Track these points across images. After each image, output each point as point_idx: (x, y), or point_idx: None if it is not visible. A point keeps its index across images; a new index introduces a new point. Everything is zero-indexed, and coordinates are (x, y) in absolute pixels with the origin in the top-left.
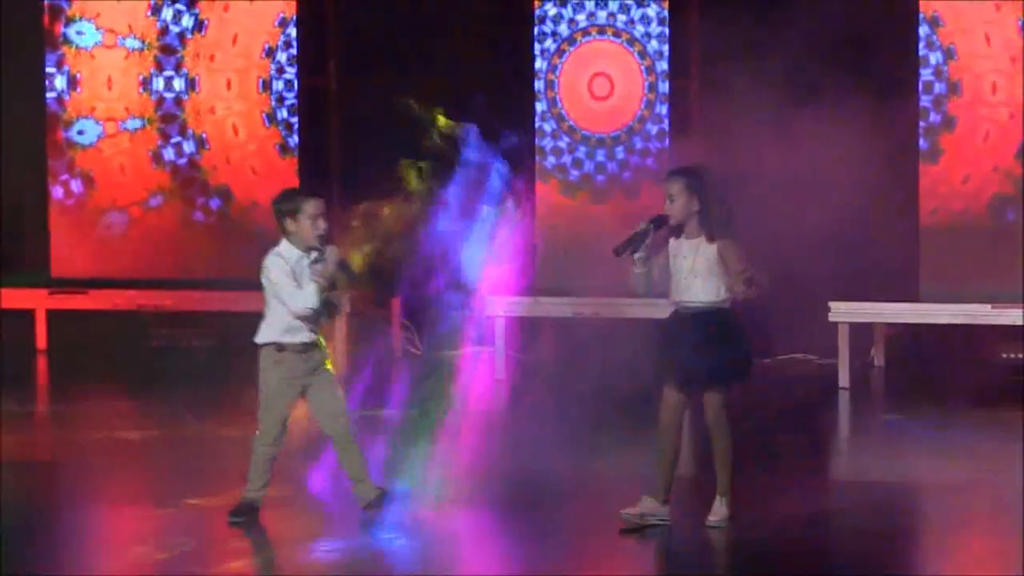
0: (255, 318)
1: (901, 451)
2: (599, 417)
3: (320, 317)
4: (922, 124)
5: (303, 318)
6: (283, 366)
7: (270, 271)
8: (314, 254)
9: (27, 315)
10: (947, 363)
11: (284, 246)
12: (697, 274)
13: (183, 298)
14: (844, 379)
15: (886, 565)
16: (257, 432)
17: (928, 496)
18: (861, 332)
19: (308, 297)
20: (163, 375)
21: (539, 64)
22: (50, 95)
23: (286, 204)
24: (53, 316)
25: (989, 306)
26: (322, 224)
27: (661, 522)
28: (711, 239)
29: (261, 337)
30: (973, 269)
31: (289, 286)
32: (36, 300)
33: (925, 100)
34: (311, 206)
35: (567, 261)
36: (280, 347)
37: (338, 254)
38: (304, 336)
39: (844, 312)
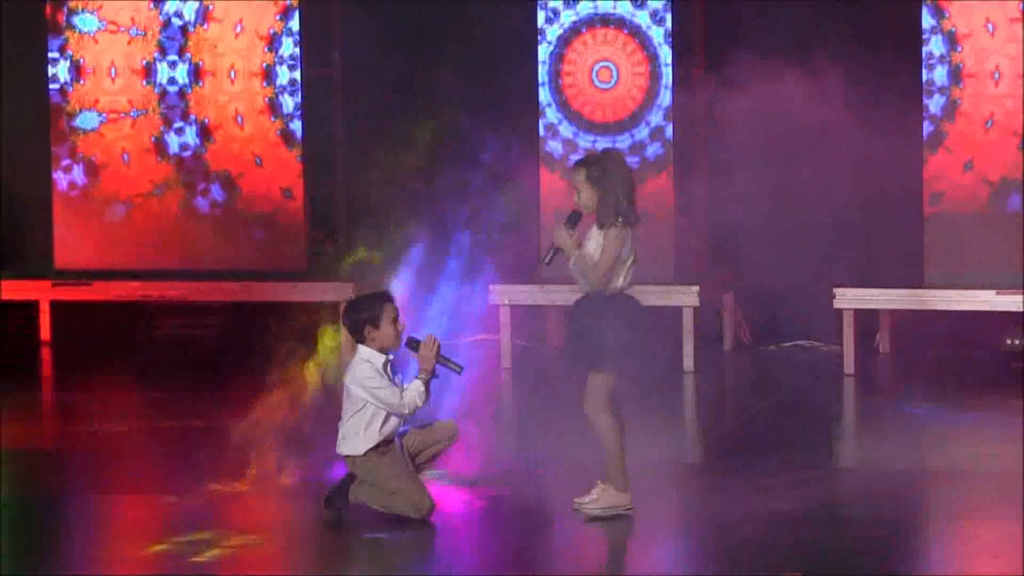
0: (260, 307)
1: (907, 438)
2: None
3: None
4: (925, 110)
5: (407, 416)
6: (388, 455)
7: (365, 380)
8: (391, 356)
9: (31, 307)
10: (952, 350)
11: (367, 352)
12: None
13: (188, 288)
14: (849, 366)
15: (891, 553)
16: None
17: (934, 483)
18: (866, 318)
19: (418, 396)
20: (168, 366)
21: (544, 50)
22: (53, 87)
23: (365, 313)
24: (57, 308)
25: (994, 292)
26: (401, 323)
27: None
28: (600, 226)
29: (363, 447)
30: (978, 255)
31: (389, 388)
32: (40, 292)
33: (928, 86)
34: (391, 310)
35: None
36: (386, 443)
37: (437, 344)
38: (393, 423)
39: (849, 298)
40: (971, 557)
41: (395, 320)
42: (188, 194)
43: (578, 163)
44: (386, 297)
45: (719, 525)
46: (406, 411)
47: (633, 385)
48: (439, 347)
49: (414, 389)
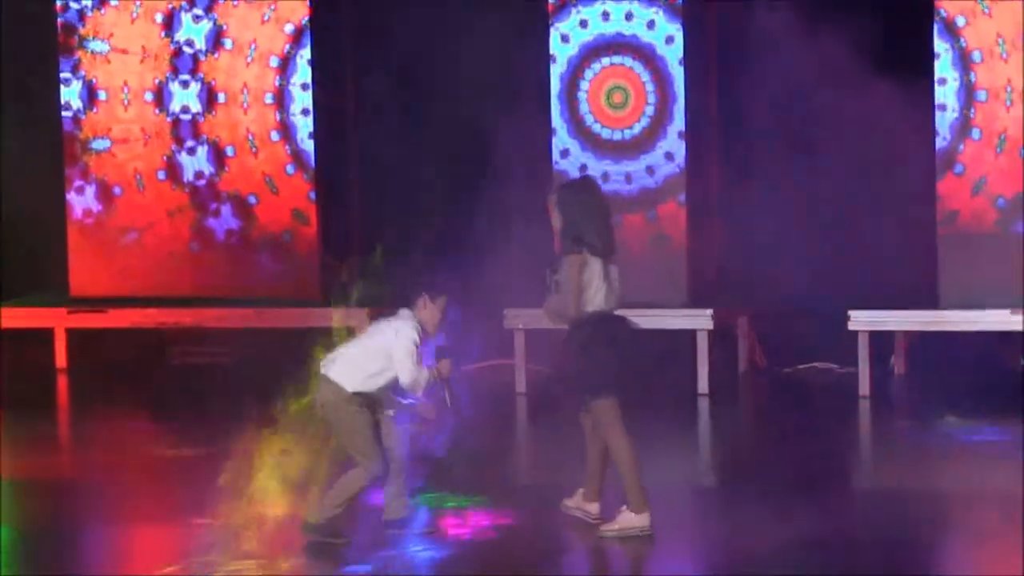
0: (275, 334)
1: (922, 459)
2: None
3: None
4: (938, 130)
5: (411, 388)
6: (366, 415)
7: (407, 333)
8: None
9: (47, 334)
10: (968, 370)
11: (412, 318)
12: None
13: (202, 315)
14: (864, 387)
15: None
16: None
17: (950, 505)
18: (881, 340)
19: (423, 379)
20: (184, 393)
21: (556, 72)
22: (66, 114)
23: (427, 284)
24: (73, 335)
25: (1008, 312)
26: (445, 320)
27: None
28: (561, 254)
29: (354, 387)
30: (993, 275)
31: (414, 357)
32: (55, 319)
33: (941, 105)
34: (445, 300)
35: None
36: (362, 396)
37: (450, 370)
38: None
39: (864, 320)
40: None
41: (444, 312)
42: (200, 216)
43: (554, 188)
44: (449, 290)
45: (734, 549)
46: (407, 379)
47: (647, 407)
48: (450, 372)
49: (424, 373)
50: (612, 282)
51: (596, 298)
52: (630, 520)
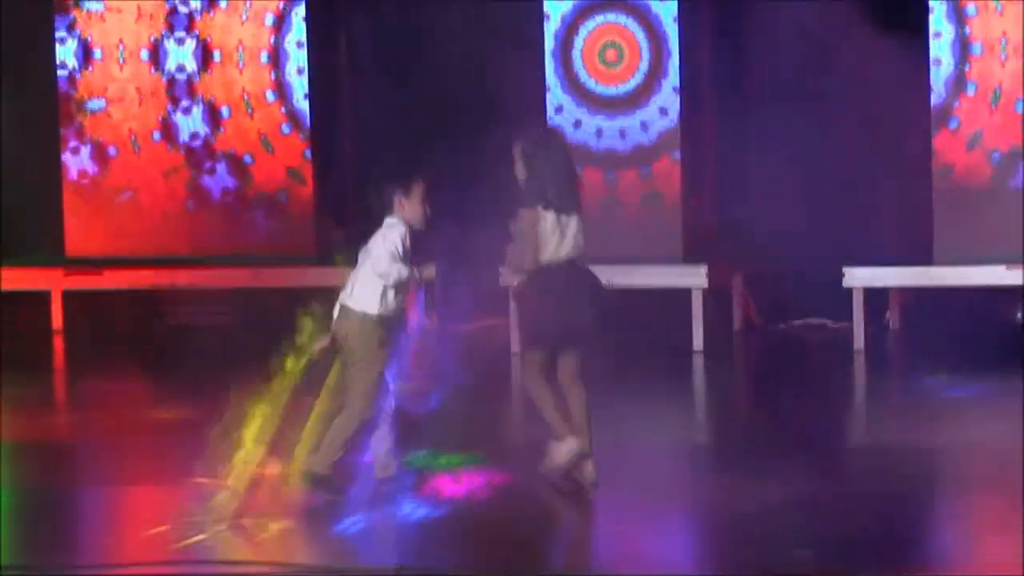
0: (272, 294)
1: (917, 414)
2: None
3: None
4: (933, 85)
5: (383, 279)
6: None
7: (391, 236)
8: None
9: (43, 296)
10: (963, 325)
11: (394, 219)
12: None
13: (198, 275)
14: (859, 343)
15: (903, 530)
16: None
17: (946, 460)
18: (876, 295)
19: (395, 272)
20: (180, 354)
21: (551, 28)
22: (61, 73)
23: (398, 182)
24: (69, 297)
25: (1003, 267)
26: (428, 208)
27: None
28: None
29: (376, 309)
30: (988, 230)
31: (393, 255)
32: (51, 280)
33: (937, 60)
34: (421, 188)
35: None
36: (385, 321)
37: (433, 274)
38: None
39: (858, 277)
40: (982, 532)
41: (424, 200)
42: (196, 175)
43: (518, 138)
44: (419, 176)
45: (729, 506)
46: (380, 268)
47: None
48: (433, 276)
49: (402, 269)
50: (572, 236)
51: (550, 251)
52: (557, 450)
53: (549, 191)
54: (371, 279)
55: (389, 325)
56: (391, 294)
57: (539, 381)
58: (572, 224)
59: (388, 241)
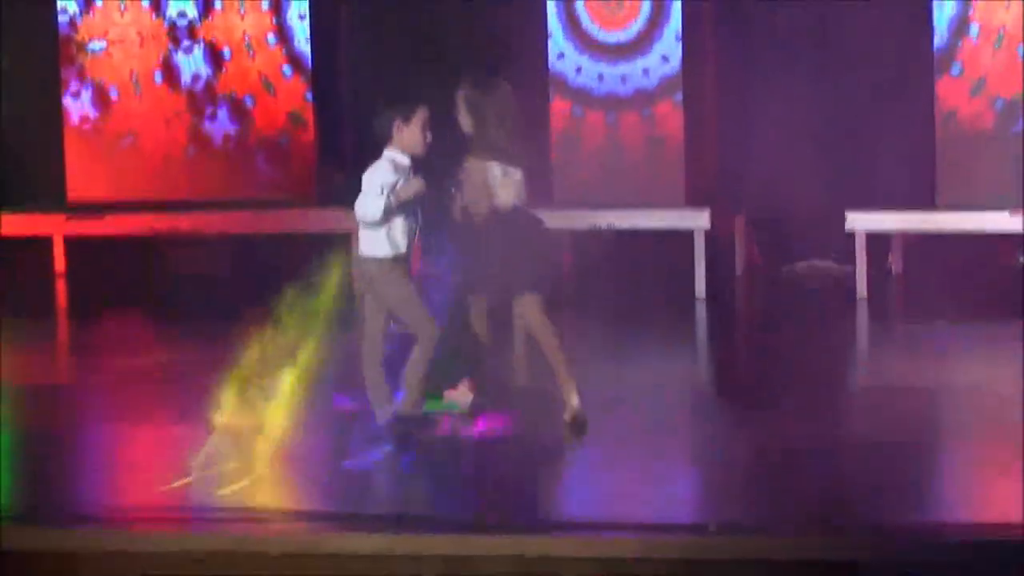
0: (273, 240)
1: (918, 358)
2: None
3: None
4: (936, 26)
5: (360, 220)
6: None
7: (378, 169)
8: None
9: (45, 242)
10: (965, 270)
11: (392, 152)
12: None
13: (199, 220)
14: (862, 288)
15: (904, 474)
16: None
17: (944, 403)
18: (879, 239)
19: (372, 208)
20: (182, 298)
21: None
22: (62, 19)
23: (399, 109)
24: (70, 242)
25: (1006, 213)
26: (429, 135)
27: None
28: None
29: (384, 251)
30: (991, 176)
31: (376, 191)
32: (53, 226)
33: (938, 5)
34: (423, 114)
35: (583, 174)
36: (399, 260)
37: (422, 188)
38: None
39: (861, 221)
40: (983, 476)
41: (424, 127)
42: (197, 120)
43: (463, 86)
44: (422, 102)
45: (734, 452)
46: (361, 212)
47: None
48: (420, 191)
49: (378, 203)
50: (517, 184)
51: (498, 201)
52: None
53: (497, 142)
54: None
55: (406, 260)
56: (397, 232)
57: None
58: (518, 175)
59: (371, 181)
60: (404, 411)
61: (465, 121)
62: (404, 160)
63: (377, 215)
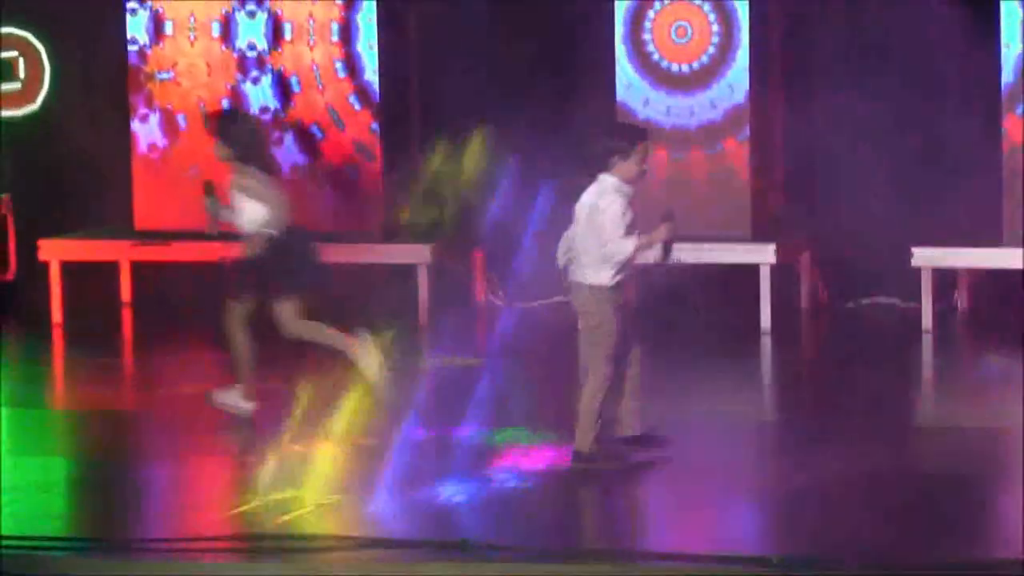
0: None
1: (985, 395)
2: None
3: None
4: (1003, 62)
5: (614, 264)
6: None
7: (609, 209)
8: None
9: (111, 268)
10: None
11: (614, 181)
12: None
13: None
14: (927, 323)
15: (969, 512)
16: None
17: (1009, 440)
18: (944, 275)
19: (631, 247)
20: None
21: (620, 7)
22: (132, 48)
23: (620, 143)
24: (137, 269)
25: None
26: (647, 166)
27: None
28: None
29: (609, 279)
30: None
31: (618, 225)
32: (119, 252)
33: (1007, 44)
34: (644, 149)
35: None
36: (616, 290)
37: (673, 231)
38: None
39: (927, 257)
40: None
41: (644, 160)
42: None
43: (215, 120)
44: (645, 135)
45: (797, 485)
46: (610, 249)
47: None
48: (671, 235)
49: (629, 243)
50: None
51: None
52: (235, 398)
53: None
54: (598, 252)
55: (621, 290)
56: (620, 264)
57: (237, 328)
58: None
59: (615, 216)
60: (580, 447)
61: (223, 150)
62: (629, 191)
63: (631, 252)
